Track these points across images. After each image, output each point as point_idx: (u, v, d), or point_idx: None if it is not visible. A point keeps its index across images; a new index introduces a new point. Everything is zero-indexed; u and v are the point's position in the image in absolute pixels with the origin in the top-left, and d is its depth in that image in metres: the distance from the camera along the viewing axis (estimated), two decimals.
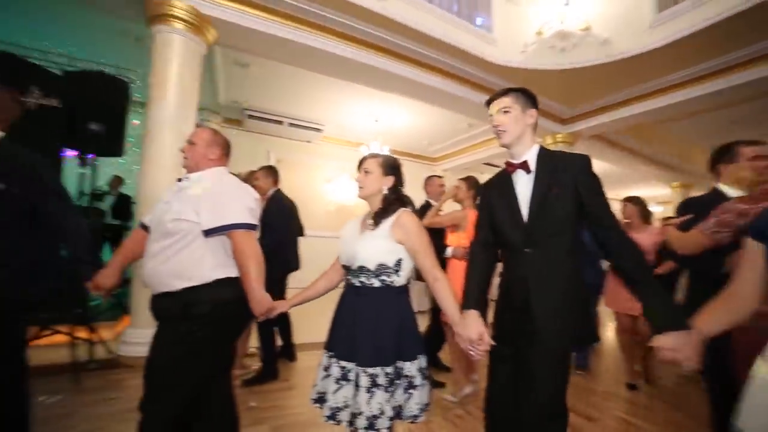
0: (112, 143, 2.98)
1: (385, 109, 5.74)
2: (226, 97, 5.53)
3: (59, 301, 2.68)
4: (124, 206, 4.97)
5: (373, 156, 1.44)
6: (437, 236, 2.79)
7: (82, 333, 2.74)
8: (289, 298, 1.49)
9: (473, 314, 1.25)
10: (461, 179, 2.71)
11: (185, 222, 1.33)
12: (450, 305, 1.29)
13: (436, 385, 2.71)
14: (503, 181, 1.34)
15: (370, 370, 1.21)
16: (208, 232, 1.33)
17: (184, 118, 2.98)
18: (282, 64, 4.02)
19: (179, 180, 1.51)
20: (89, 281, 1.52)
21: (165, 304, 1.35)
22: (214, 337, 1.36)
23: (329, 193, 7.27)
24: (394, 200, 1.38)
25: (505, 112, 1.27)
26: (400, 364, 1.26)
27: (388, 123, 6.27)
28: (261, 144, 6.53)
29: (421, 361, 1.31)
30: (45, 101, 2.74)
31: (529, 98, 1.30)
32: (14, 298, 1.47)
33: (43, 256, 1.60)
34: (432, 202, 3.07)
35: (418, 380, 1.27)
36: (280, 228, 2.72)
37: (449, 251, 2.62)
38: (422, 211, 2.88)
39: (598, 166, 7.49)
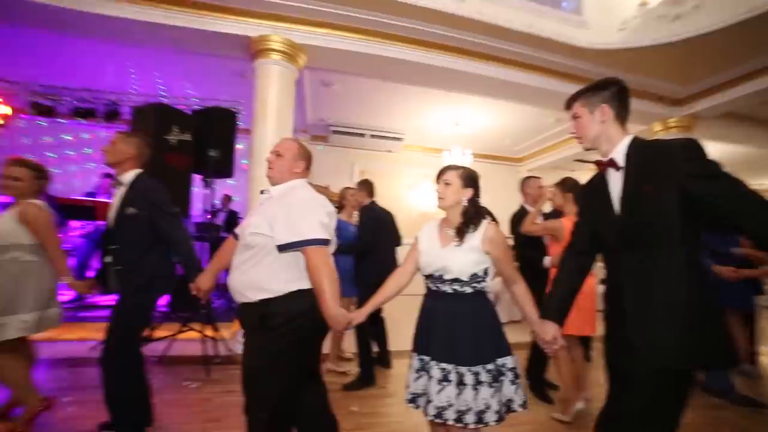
0: (224, 166, 3.46)
1: (466, 111, 5.62)
2: (313, 116, 6.00)
3: (188, 302, 3.17)
4: (233, 221, 5.70)
5: (453, 168, 1.49)
6: (534, 246, 2.63)
7: (208, 331, 3.19)
8: (362, 308, 1.52)
9: (550, 323, 1.29)
10: (556, 184, 2.51)
11: (261, 236, 1.37)
12: (529, 307, 1.42)
13: (546, 399, 2.62)
14: (599, 181, 1.24)
15: (473, 369, 1.31)
16: (282, 248, 1.35)
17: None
18: (363, 79, 4.23)
19: (262, 192, 1.57)
20: (192, 283, 1.77)
21: (245, 314, 1.43)
22: (290, 348, 1.38)
23: (412, 201, 7.34)
24: (474, 213, 1.43)
25: (575, 118, 1.26)
26: (500, 360, 1.36)
27: (469, 126, 6.12)
28: (345, 157, 6.92)
29: (513, 356, 1.41)
30: (182, 137, 3.35)
31: (594, 96, 1.21)
32: (139, 298, 1.92)
33: (159, 265, 1.99)
34: (528, 207, 2.78)
35: (517, 372, 1.39)
36: (376, 238, 2.85)
37: (547, 261, 2.47)
38: (518, 218, 2.72)
39: (731, 150, 6.23)
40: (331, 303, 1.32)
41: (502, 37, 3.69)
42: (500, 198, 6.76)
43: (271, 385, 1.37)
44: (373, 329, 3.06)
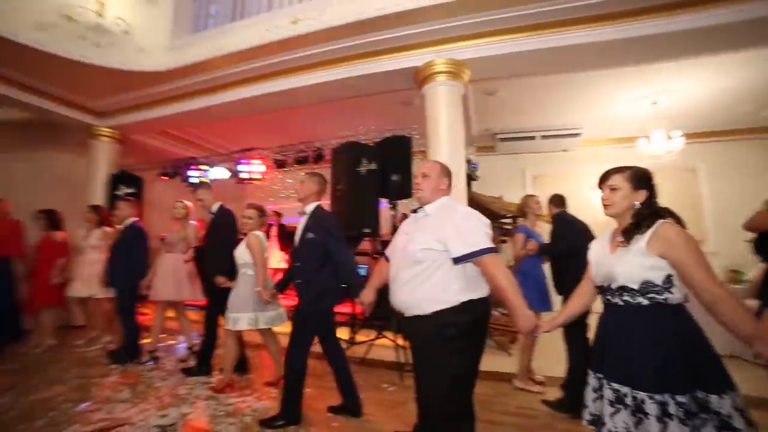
0: (405, 188, 3.79)
1: (666, 84, 4.44)
2: (478, 127, 5.94)
3: (381, 312, 3.55)
4: None
5: (619, 170, 1.35)
6: None
7: (399, 340, 3.48)
8: (552, 319, 1.49)
9: None
10: None
11: (432, 251, 1.49)
12: (741, 326, 1.09)
13: None
14: None
15: (658, 397, 1.11)
16: (458, 260, 1.46)
17: (456, 156, 3.40)
18: (528, 80, 3.96)
19: (414, 211, 1.71)
20: (357, 298, 2.00)
21: (417, 326, 1.53)
22: (463, 355, 1.49)
23: (596, 202, 6.24)
24: (648, 214, 1.27)
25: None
26: (700, 394, 1.10)
27: (674, 100, 4.79)
28: (515, 164, 6.55)
29: (734, 398, 1.10)
30: (369, 167, 3.90)
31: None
32: (314, 307, 2.35)
33: (329, 280, 2.37)
34: None
35: (736, 422, 1.06)
36: (576, 243, 2.61)
37: None
38: None
39: None
40: (518, 303, 1.40)
41: None
42: (757, 185, 5.00)
43: (448, 393, 1.48)
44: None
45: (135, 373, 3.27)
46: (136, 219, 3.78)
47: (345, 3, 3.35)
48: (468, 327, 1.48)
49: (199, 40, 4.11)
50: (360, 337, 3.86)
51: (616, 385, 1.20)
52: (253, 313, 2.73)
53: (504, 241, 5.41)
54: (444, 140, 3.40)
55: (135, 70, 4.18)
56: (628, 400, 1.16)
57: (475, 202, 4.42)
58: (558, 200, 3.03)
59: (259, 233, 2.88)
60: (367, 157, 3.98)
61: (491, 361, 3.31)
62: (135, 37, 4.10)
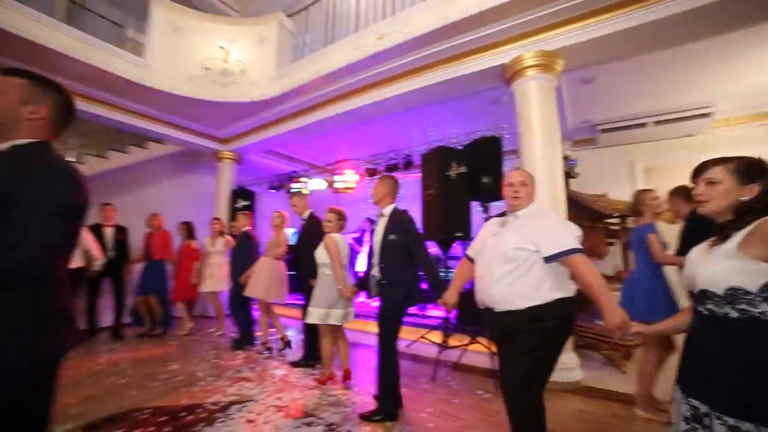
0: (496, 190, 3.68)
1: None
2: (574, 120, 5.44)
3: (474, 317, 3.48)
4: None
5: (720, 161, 1.14)
6: None
7: (494, 347, 3.36)
8: (653, 325, 1.39)
9: None
10: None
11: (524, 251, 1.59)
12: None
13: None
14: None
15: (731, 421, 0.95)
16: (549, 259, 1.57)
17: (552, 153, 3.20)
18: (632, 62, 3.50)
19: (500, 215, 1.86)
20: (439, 299, 2.05)
21: (509, 318, 1.61)
22: (552, 350, 1.62)
23: None
24: (756, 208, 1.05)
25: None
26: None
27: None
28: (621, 157, 5.79)
29: None
30: (459, 170, 3.91)
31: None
32: (401, 306, 2.47)
33: (414, 280, 2.49)
34: None
35: None
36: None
37: None
38: None
39: None
40: (606, 299, 1.44)
41: None
42: None
43: (536, 384, 1.60)
44: None
45: (254, 359, 3.80)
46: (250, 228, 4.50)
47: (426, 11, 3.44)
48: (561, 322, 1.59)
49: (297, 67, 4.63)
50: (453, 341, 3.84)
51: (693, 401, 1.07)
52: (325, 309, 2.96)
53: (611, 244, 4.82)
54: (537, 137, 3.20)
55: (249, 101, 4.92)
56: (707, 421, 1.02)
57: (574, 201, 4.05)
58: (685, 193, 2.58)
59: (337, 235, 3.09)
60: (457, 160, 3.99)
61: (600, 378, 3.02)
62: (248, 74, 4.84)
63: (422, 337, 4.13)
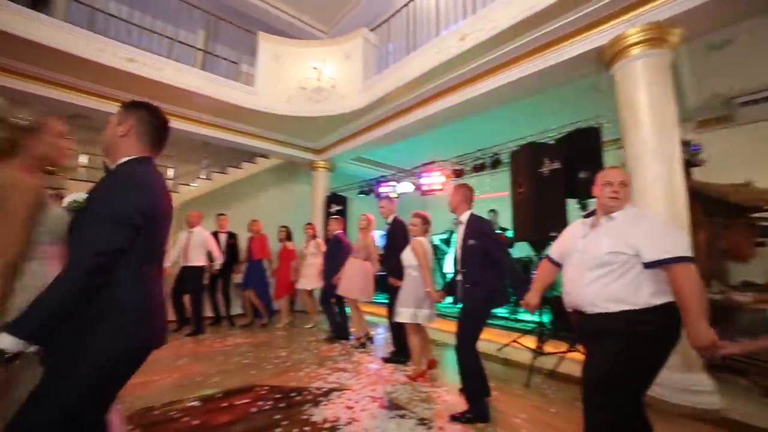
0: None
1: None
2: (699, 96, 4.58)
3: (569, 324, 3.21)
4: None
5: None
6: None
7: None
8: (745, 342, 1.43)
9: None
10: None
11: (620, 255, 1.49)
12: None
13: None
14: None
15: None
16: (649, 265, 1.45)
17: (667, 139, 2.78)
18: None
19: (588, 215, 1.77)
20: (521, 301, 2.00)
21: (600, 320, 1.52)
22: (646, 357, 1.47)
23: None
24: None
25: None
26: None
27: None
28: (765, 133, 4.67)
29: None
30: (552, 167, 3.68)
31: None
32: (481, 307, 2.50)
33: (495, 282, 2.50)
34: None
35: None
36: None
37: None
38: None
39: None
40: (694, 319, 1.35)
41: None
42: None
43: (626, 390, 1.47)
44: None
45: (348, 352, 4.10)
46: (340, 232, 4.89)
47: (508, 4, 3.31)
48: (663, 330, 1.47)
49: (382, 77, 4.86)
50: (548, 347, 3.60)
51: None
52: (413, 309, 3.11)
53: (762, 244, 3.92)
54: (645, 124, 2.79)
55: (340, 114, 5.34)
56: None
57: (700, 194, 3.43)
58: None
59: (422, 239, 3.21)
60: (549, 156, 3.77)
61: (747, 410, 2.49)
62: (338, 89, 5.26)
63: (514, 341, 3.95)
